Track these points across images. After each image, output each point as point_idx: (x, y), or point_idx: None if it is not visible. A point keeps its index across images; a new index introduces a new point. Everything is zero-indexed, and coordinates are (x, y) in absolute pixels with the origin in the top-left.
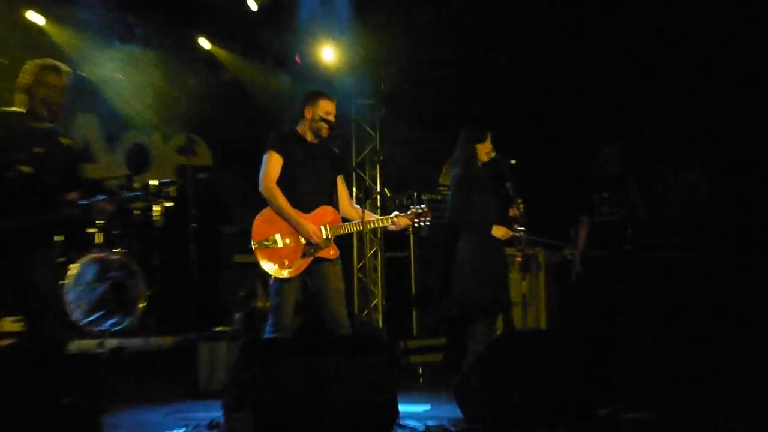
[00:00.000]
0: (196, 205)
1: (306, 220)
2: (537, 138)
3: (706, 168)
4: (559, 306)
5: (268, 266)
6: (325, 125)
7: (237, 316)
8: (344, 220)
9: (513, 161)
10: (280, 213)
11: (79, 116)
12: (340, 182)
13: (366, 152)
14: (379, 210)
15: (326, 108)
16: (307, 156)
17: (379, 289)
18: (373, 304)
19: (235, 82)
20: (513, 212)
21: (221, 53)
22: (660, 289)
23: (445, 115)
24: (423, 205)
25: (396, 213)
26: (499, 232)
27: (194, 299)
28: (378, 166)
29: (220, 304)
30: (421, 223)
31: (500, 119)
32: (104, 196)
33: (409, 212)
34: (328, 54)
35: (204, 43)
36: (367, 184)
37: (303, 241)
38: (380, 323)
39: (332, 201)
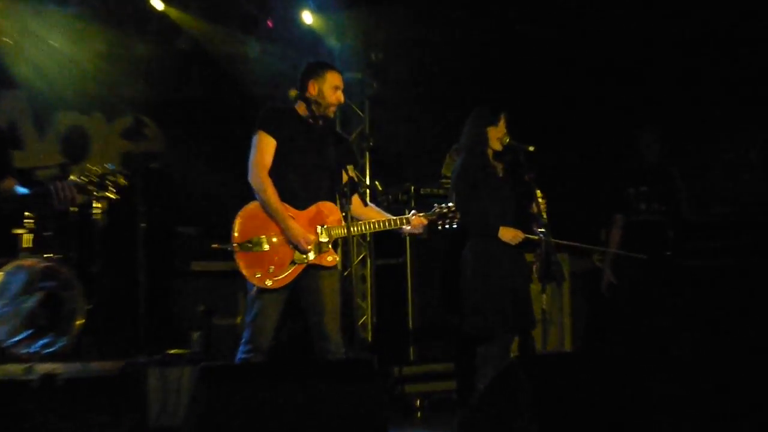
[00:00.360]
0: (146, 200)
1: (295, 221)
2: (561, 121)
3: (764, 156)
4: (587, 324)
5: (250, 273)
6: (333, 103)
7: (195, 335)
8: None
9: (531, 148)
10: (266, 209)
11: (3, 94)
12: (351, 173)
13: (353, 136)
14: None
15: (335, 81)
16: (307, 140)
17: (368, 304)
18: (360, 322)
19: (194, 51)
20: (535, 209)
21: (177, 15)
22: (710, 303)
23: (450, 93)
24: (450, 204)
25: (414, 212)
26: (507, 234)
27: (143, 315)
28: (367, 154)
29: (174, 321)
30: (446, 226)
31: (517, 98)
32: (67, 180)
33: (430, 211)
34: (307, 18)
35: (156, 3)
36: (354, 175)
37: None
38: (370, 345)
39: (335, 196)
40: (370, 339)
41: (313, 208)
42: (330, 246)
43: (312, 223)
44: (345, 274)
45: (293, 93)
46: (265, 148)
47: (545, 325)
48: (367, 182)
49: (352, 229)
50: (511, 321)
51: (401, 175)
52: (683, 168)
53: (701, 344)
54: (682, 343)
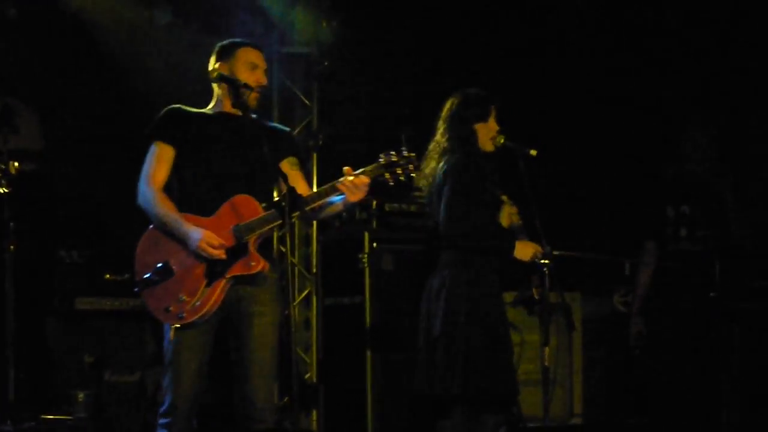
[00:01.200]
0: (16, 214)
1: (190, 226)
2: (571, 116)
3: None
4: (605, 385)
5: (159, 310)
6: (251, 84)
7: (80, 396)
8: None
9: (534, 152)
10: (160, 226)
11: None
12: (290, 168)
13: (296, 132)
14: (314, 230)
15: (249, 58)
16: (218, 140)
17: (313, 357)
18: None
19: (83, 16)
20: (506, 221)
21: None
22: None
23: (427, 77)
24: (403, 150)
25: (346, 170)
26: (526, 251)
27: (12, 368)
28: (315, 155)
29: (53, 377)
30: (400, 178)
31: (514, 85)
32: None
33: (373, 164)
34: None
35: None
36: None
37: (200, 260)
38: (315, 414)
39: (262, 194)
40: (315, 404)
41: (222, 209)
42: (252, 247)
43: (223, 227)
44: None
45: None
46: (158, 159)
47: (548, 386)
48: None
49: (270, 220)
50: (502, 383)
51: None
52: (741, 180)
53: (756, 414)
54: (731, 412)
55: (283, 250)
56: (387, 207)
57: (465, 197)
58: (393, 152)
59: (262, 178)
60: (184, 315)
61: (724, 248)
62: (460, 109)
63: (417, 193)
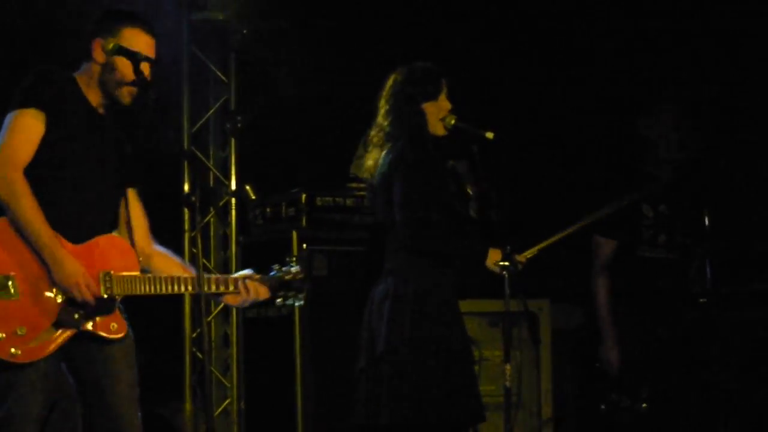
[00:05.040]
0: None
1: (68, 254)
2: (534, 96)
3: None
4: (578, 408)
5: None
6: (129, 80)
7: None
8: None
9: (490, 135)
10: (21, 229)
11: None
12: (133, 199)
13: (210, 114)
14: (232, 230)
15: (137, 42)
16: (91, 139)
17: (233, 381)
18: (222, 408)
19: None
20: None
21: None
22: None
23: (367, 48)
24: (294, 267)
25: (248, 272)
26: (496, 257)
27: None
28: (233, 142)
29: None
30: (289, 301)
31: (469, 57)
32: None
33: (276, 273)
34: None
35: None
36: (212, 175)
37: (56, 294)
38: None
39: (118, 227)
40: None
41: (91, 244)
42: (117, 306)
43: (89, 267)
44: (195, 334)
45: (110, 44)
46: (22, 134)
47: (510, 409)
48: (233, 186)
49: (149, 284)
50: (461, 408)
51: (287, 176)
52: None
53: None
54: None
55: (195, 251)
56: (319, 201)
57: (421, 195)
58: (290, 268)
59: (117, 201)
60: (19, 352)
61: (713, 251)
62: (406, 86)
63: (354, 185)
